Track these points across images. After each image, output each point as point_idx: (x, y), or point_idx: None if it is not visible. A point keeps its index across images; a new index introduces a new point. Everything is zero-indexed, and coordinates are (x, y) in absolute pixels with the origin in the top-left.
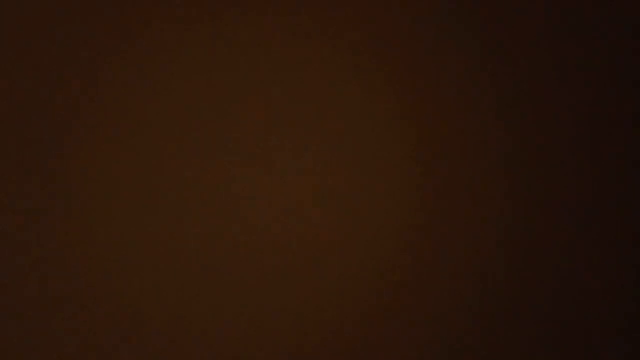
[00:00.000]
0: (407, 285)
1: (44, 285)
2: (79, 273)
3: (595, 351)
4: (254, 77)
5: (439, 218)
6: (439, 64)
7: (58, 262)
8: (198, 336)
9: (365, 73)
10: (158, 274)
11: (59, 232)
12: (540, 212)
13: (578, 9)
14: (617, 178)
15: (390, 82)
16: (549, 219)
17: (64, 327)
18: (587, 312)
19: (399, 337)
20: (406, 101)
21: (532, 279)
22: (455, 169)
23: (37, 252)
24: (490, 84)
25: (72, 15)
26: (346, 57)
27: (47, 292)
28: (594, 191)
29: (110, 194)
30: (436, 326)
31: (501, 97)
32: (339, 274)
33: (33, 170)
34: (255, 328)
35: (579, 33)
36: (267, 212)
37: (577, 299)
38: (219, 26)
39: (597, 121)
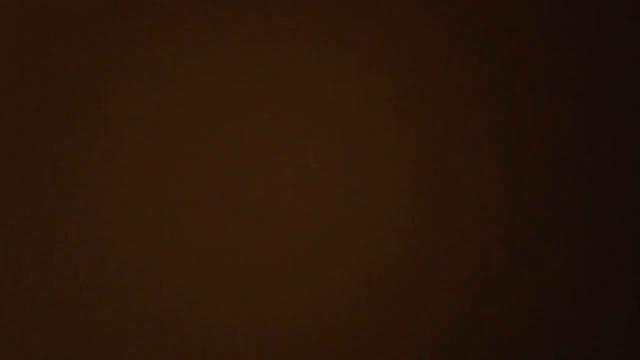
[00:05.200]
0: (407, 285)
1: (44, 285)
2: (79, 273)
3: (595, 351)
4: (255, 78)
5: (439, 218)
6: (440, 64)
7: (58, 262)
8: (199, 336)
9: (366, 73)
10: (159, 273)
11: (59, 232)
12: (540, 213)
13: (578, 9)
14: (617, 178)
15: (391, 83)
16: (549, 219)
17: (64, 327)
18: (587, 312)
19: (399, 336)
20: (406, 101)
21: (532, 279)
22: (455, 169)
23: (37, 252)
24: (490, 84)
25: (73, 16)
26: (346, 57)
27: (47, 292)
28: (594, 191)
29: (111, 194)
30: (436, 326)
31: (501, 98)
32: (339, 273)
33: (34, 171)
34: (257, 328)
35: (579, 33)
36: (267, 212)
37: (577, 299)
38: (219, 27)
39: (597, 121)
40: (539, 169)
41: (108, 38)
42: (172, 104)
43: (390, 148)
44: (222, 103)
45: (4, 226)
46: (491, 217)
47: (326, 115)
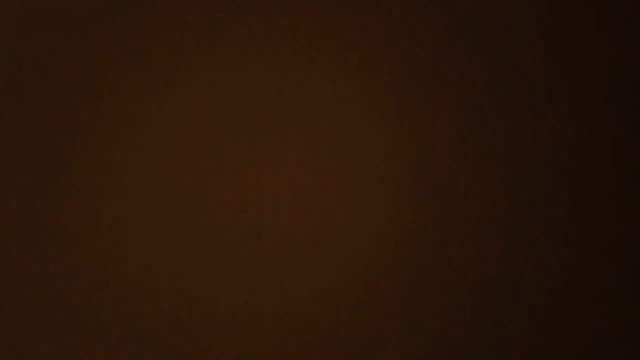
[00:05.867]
0: (407, 286)
1: (44, 285)
2: (79, 273)
3: (595, 351)
4: (254, 78)
5: (439, 218)
6: (440, 64)
7: (58, 262)
8: (199, 336)
9: (365, 73)
10: (159, 273)
11: (59, 233)
12: (540, 213)
13: (578, 9)
14: (617, 178)
15: (391, 83)
16: (549, 219)
17: (64, 327)
18: (587, 312)
19: (399, 337)
20: (407, 102)
21: (532, 279)
22: (455, 169)
23: (37, 252)
24: (490, 83)
25: (73, 16)
26: (346, 57)
27: (47, 292)
28: (593, 191)
29: (111, 194)
30: (435, 326)
31: (501, 97)
32: (339, 274)
33: (34, 170)
34: (257, 329)
35: (579, 33)
36: (267, 213)
37: (576, 299)
38: (219, 27)
39: (597, 121)
40: (539, 169)
41: (108, 38)
42: (172, 104)
43: (390, 148)
44: (222, 103)
45: (4, 226)
46: (491, 217)
47: (326, 116)
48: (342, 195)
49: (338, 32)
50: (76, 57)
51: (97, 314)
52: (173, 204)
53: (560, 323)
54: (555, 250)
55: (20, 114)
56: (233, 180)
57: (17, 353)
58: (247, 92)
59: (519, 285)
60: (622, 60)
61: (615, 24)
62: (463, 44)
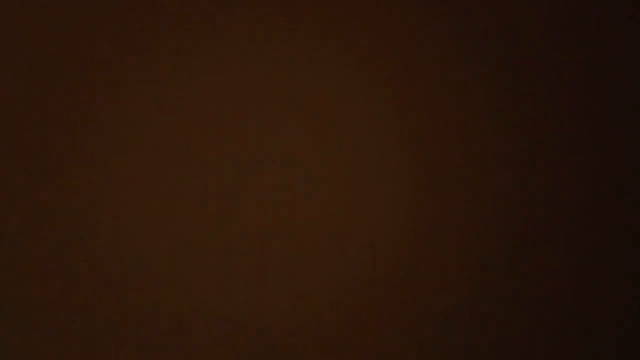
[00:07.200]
0: (406, 286)
1: (44, 285)
2: (79, 273)
3: (595, 351)
4: (254, 78)
5: (440, 219)
6: (440, 64)
7: (58, 262)
8: (198, 337)
9: (365, 73)
10: (159, 273)
11: (59, 232)
12: (540, 213)
13: (578, 9)
14: (617, 179)
15: (391, 83)
16: (550, 219)
17: (64, 327)
18: (586, 312)
19: (398, 337)
20: (407, 102)
21: (532, 280)
22: (456, 169)
23: (37, 252)
24: (490, 83)
25: (73, 16)
26: (345, 57)
27: (47, 292)
28: (593, 191)
29: (110, 194)
30: (435, 326)
31: (502, 97)
32: (339, 273)
33: (33, 170)
34: (257, 329)
35: (579, 33)
36: (267, 213)
37: (576, 300)
38: (219, 27)
39: (597, 121)
40: (539, 169)
41: (108, 38)
42: (171, 105)
43: (390, 148)
44: (221, 103)
45: (4, 226)
46: (492, 217)
47: (326, 116)
48: (342, 196)
49: (338, 32)
50: (76, 57)
51: (97, 315)
52: (173, 204)
53: (560, 323)
54: (556, 251)
55: (20, 114)
56: (233, 180)
57: (18, 353)
58: (246, 93)
59: (520, 285)
60: (622, 60)
61: (615, 24)
62: (463, 44)
